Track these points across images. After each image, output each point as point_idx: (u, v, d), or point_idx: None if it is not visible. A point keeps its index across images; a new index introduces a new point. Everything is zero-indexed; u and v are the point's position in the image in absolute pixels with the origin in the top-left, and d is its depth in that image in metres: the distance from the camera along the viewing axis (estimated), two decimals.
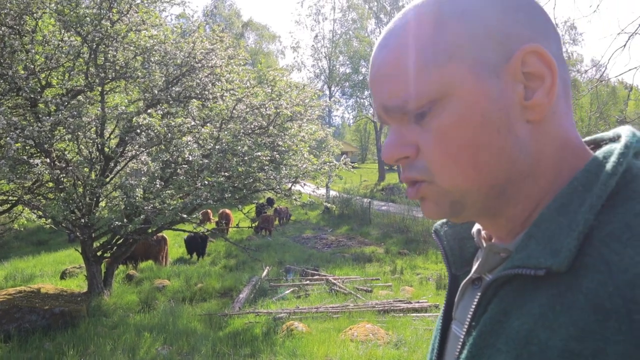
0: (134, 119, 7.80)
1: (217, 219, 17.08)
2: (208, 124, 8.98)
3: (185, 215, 8.18)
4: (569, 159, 0.58)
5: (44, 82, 8.47)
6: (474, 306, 0.59)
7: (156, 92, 8.72)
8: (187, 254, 13.43)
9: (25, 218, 12.14)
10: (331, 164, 9.90)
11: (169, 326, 7.11)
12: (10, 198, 10.66)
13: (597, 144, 0.63)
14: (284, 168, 9.22)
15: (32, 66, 8.15)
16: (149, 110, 8.57)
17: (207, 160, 8.17)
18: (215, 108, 9.11)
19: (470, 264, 0.70)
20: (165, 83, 8.87)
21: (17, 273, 11.55)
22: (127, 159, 9.54)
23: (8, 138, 7.08)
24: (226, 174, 8.54)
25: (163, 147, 8.25)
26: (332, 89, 35.81)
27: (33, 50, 8.08)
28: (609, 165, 0.53)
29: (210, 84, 9.25)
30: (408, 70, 0.56)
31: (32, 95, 8.05)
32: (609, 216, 0.50)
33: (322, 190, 20.65)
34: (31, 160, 7.82)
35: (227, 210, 16.58)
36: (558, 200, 0.54)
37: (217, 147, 8.37)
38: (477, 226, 0.69)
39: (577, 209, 0.52)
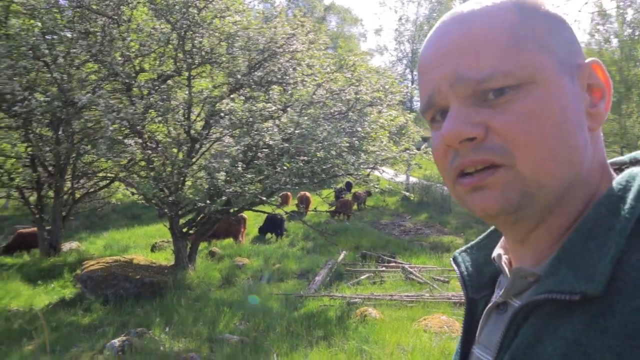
0: (217, 104, 8.10)
1: (296, 202, 17.42)
2: (288, 109, 9.12)
3: (264, 198, 8.43)
4: (605, 177, 0.60)
5: (137, 68, 9.02)
6: (503, 330, 0.59)
7: (239, 76, 8.99)
8: (260, 233, 13.77)
9: (121, 193, 13.15)
10: (411, 152, 9.74)
11: (247, 303, 7.40)
12: (109, 175, 11.58)
13: (619, 168, 0.64)
14: (362, 154, 9.19)
15: (128, 53, 8.70)
16: (232, 95, 8.88)
17: (287, 145, 8.33)
18: (295, 93, 9.23)
19: (488, 288, 0.71)
20: (247, 68, 9.12)
21: (114, 243, 12.56)
22: (212, 141, 9.97)
23: (106, 120, 7.64)
24: (305, 158, 8.67)
25: (245, 130, 8.51)
26: (415, 73, 35.06)
27: (129, 38, 8.61)
28: (634, 189, 0.54)
29: (291, 69, 9.39)
30: (498, 47, 0.55)
31: (127, 80, 8.61)
32: (637, 241, 0.50)
33: (402, 177, 20.36)
34: (125, 141, 8.42)
35: (307, 193, 16.83)
36: (585, 225, 0.55)
37: (297, 131, 8.49)
38: (497, 251, 0.70)
39: (605, 233, 0.52)
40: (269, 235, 13.94)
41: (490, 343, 0.63)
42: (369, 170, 9.45)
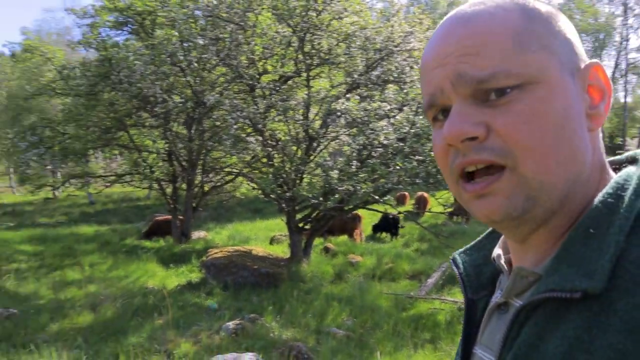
0: (332, 105, 8.29)
1: (413, 202, 17.20)
2: (404, 108, 9.04)
3: (377, 197, 8.47)
4: (605, 177, 0.60)
5: (261, 70, 9.58)
6: (505, 331, 0.59)
7: (356, 76, 9.12)
8: (374, 231, 13.84)
9: (245, 188, 14.06)
10: None
11: (357, 300, 7.50)
12: (234, 170, 12.44)
13: (617, 167, 0.64)
14: None
15: (252, 56, 9.28)
16: (347, 95, 9.04)
17: (401, 144, 8.28)
18: (411, 92, 9.12)
19: (487, 288, 0.71)
20: (365, 67, 9.21)
21: (237, 234, 13.48)
22: (329, 140, 10.25)
23: (230, 118, 8.24)
24: (420, 158, 8.54)
25: (360, 129, 8.61)
26: None
27: (253, 42, 9.18)
28: (632, 188, 0.54)
29: (407, 67, 9.29)
30: (501, 47, 0.55)
31: (251, 82, 9.19)
32: (637, 238, 0.51)
33: None
34: (247, 138, 9.00)
35: (425, 194, 16.52)
36: (585, 223, 0.55)
37: (412, 131, 8.39)
38: (496, 251, 0.70)
39: (605, 232, 0.52)
40: (383, 234, 13.95)
41: (492, 343, 0.63)
42: None
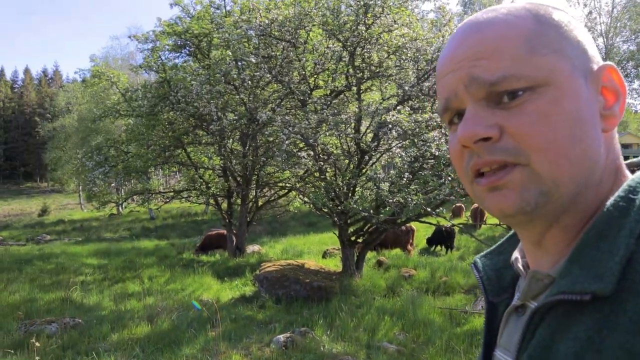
0: (383, 116, 8.27)
1: (469, 214, 16.77)
2: None
3: (429, 209, 8.33)
4: (620, 179, 0.61)
5: (312, 85, 9.72)
6: (521, 333, 0.61)
7: (407, 88, 9.06)
8: (428, 245, 13.60)
9: (298, 202, 14.21)
10: None
11: (409, 314, 7.35)
12: (287, 185, 12.63)
13: (636, 169, 0.65)
14: None
15: (304, 72, 9.44)
16: (398, 107, 8.99)
17: None
18: None
19: (508, 291, 0.72)
20: (416, 79, 9.14)
21: (290, 248, 13.62)
22: (381, 153, 10.20)
23: (282, 134, 8.39)
24: None
25: (412, 141, 8.52)
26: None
27: (304, 59, 9.34)
28: None
29: None
30: (510, 51, 0.57)
31: (302, 97, 9.34)
32: None
33: None
34: (299, 153, 9.11)
35: None
36: (597, 226, 0.56)
37: None
38: (515, 255, 0.71)
39: (616, 234, 0.53)
40: (438, 247, 13.66)
41: (510, 345, 0.65)
42: None
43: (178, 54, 12.58)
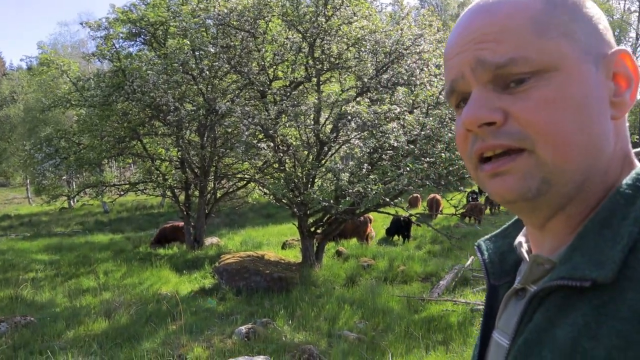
0: (343, 107, 8.33)
1: (425, 204, 17.15)
2: (415, 110, 9.05)
3: (388, 199, 8.47)
4: (625, 167, 0.60)
5: (271, 76, 9.66)
6: (519, 316, 0.61)
7: (366, 80, 9.15)
8: (387, 235, 13.86)
9: (257, 193, 14.15)
10: None
11: (368, 303, 7.49)
12: (246, 176, 12.54)
13: None
14: None
15: (263, 63, 9.37)
16: (358, 98, 9.07)
17: (412, 146, 8.28)
18: (421, 94, 9.13)
19: (510, 275, 0.72)
20: (375, 71, 9.24)
21: (249, 240, 13.56)
22: (340, 144, 10.28)
23: (242, 125, 8.33)
24: (430, 160, 8.53)
25: (371, 132, 8.63)
26: None
27: (264, 49, 9.27)
28: None
29: (417, 70, 9.30)
30: (518, 34, 0.56)
31: (262, 88, 9.27)
32: None
33: None
34: (259, 144, 9.07)
35: (437, 196, 16.48)
36: (601, 213, 0.55)
37: (422, 133, 8.39)
38: (519, 239, 0.71)
39: (620, 222, 0.53)
40: (396, 237, 13.93)
41: (508, 327, 0.64)
42: None
43: (133, 43, 12.21)
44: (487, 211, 17.81)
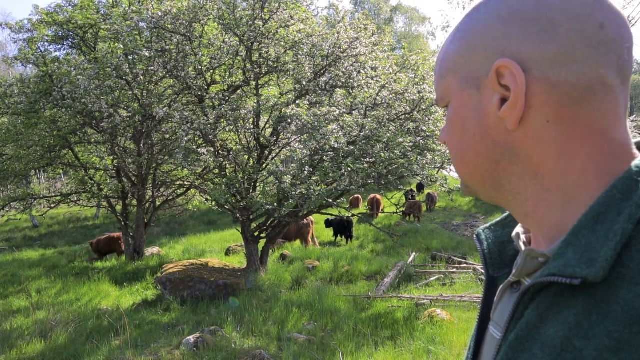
0: (283, 110, 8.35)
1: (366, 204, 17.47)
2: (354, 112, 9.20)
3: (331, 200, 8.57)
4: (611, 162, 0.57)
5: (209, 80, 9.51)
6: (511, 309, 0.61)
7: (304, 83, 9.21)
8: (333, 237, 14.04)
9: (198, 200, 13.85)
10: None
11: (316, 304, 7.55)
12: (185, 183, 12.25)
13: None
14: (428, 154, 9.08)
15: (200, 67, 9.20)
16: (297, 101, 9.12)
17: (352, 147, 8.41)
18: (359, 95, 9.30)
19: (510, 266, 0.73)
20: (313, 74, 9.32)
21: (192, 248, 13.26)
22: (280, 147, 10.28)
23: (181, 131, 8.14)
24: (370, 160, 8.70)
25: (310, 135, 8.69)
26: None
27: (200, 53, 9.11)
28: None
29: (355, 72, 9.47)
30: (437, 77, 0.69)
31: (199, 93, 9.11)
32: None
33: None
34: (199, 150, 8.90)
35: (378, 196, 16.84)
36: (595, 208, 0.54)
37: (361, 134, 8.55)
38: (517, 230, 0.72)
39: (614, 218, 0.52)
40: (339, 238, 14.10)
41: (501, 320, 0.65)
42: (436, 169, 9.30)
43: (60, 46, 11.62)
44: (424, 208, 18.39)
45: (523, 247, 0.67)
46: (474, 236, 0.81)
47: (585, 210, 0.55)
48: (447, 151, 9.14)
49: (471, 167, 0.66)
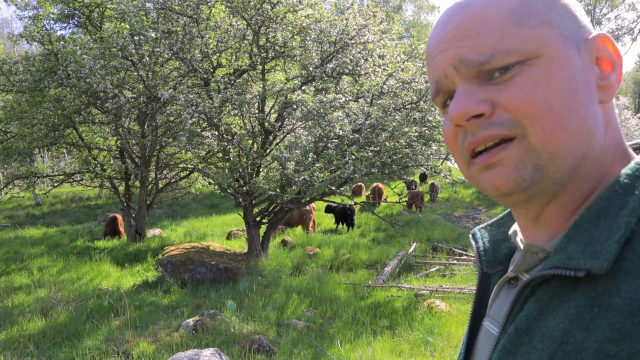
0: (289, 95, 8.29)
1: (368, 193, 17.45)
2: (360, 99, 9.14)
3: (334, 188, 8.54)
4: (619, 156, 0.59)
5: (215, 64, 9.44)
6: (510, 304, 0.61)
7: (311, 69, 9.14)
8: (334, 224, 14.05)
9: (200, 184, 13.85)
10: None
11: (315, 291, 7.56)
12: (189, 166, 12.24)
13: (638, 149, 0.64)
14: (433, 144, 9.03)
15: (206, 49, 9.12)
16: (303, 87, 9.05)
17: (357, 135, 8.37)
18: (366, 83, 9.23)
19: (504, 263, 0.72)
20: (320, 60, 9.24)
21: (193, 231, 13.29)
22: (285, 133, 10.23)
23: (185, 113, 8.10)
24: (375, 148, 8.66)
25: (316, 122, 8.64)
26: None
27: (207, 36, 9.02)
28: None
29: (362, 60, 9.39)
30: (499, 27, 0.56)
31: (205, 76, 9.04)
32: None
33: None
34: (203, 133, 8.86)
35: (380, 185, 16.80)
36: (599, 203, 0.54)
37: (367, 122, 8.49)
38: (514, 227, 0.71)
39: (617, 212, 0.52)
40: (340, 226, 14.11)
41: (498, 316, 0.65)
42: (440, 160, 9.25)
43: (65, 25, 11.53)
44: (427, 198, 18.38)
45: (521, 244, 0.67)
46: (470, 235, 0.80)
47: (588, 205, 0.56)
48: None
49: (574, 136, 0.55)
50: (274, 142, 10.07)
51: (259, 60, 9.20)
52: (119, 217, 12.91)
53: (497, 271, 0.72)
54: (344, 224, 13.91)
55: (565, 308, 0.51)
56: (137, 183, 12.18)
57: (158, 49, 9.09)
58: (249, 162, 8.91)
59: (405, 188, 18.05)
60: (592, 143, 0.56)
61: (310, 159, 8.42)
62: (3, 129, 11.70)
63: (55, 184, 12.81)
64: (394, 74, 9.05)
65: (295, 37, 9.18)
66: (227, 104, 8.90)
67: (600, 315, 0.48)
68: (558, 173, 0.56)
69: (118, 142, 10.79)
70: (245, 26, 8.91)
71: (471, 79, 0.58)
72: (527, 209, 0.61)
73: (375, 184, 17.08)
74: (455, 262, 9.82)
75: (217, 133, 9.02)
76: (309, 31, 9.07)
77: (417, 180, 20.75)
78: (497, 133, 0.56)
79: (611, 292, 0.48)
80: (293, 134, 10.68)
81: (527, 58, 0.55)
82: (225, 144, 9.00)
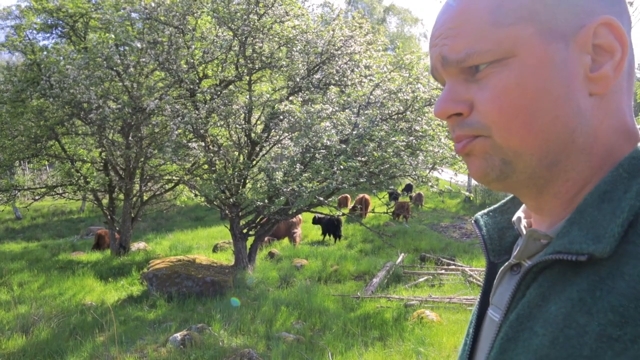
0: (276, 106, 8.27)
1: (353, 204, 17.43)
2: (346, 110, 9.14)
3: (322, 199, 8.49)
4: (622, 142, 0.57)
5: (201, 74, 9.38)
6: (512, 290, 0.60)
7: (298, 79, 9.13)
8: (321, 235, 13.98)
9: (185, 196, 13.70)
10: None
11: (304, 303, 7.47)
12: (174, 178, 12.10)
13: None
14: (420, 154, 9.05)
15: (192, 60, 9.06)
16: (290, 98, 9.03)
17: (344, 146, 8.35)
18: (353, 94, 9.24)
19: (509, 252, 0.72)
20: (306, 71, 9.24)
21: (179, 244, 13.09)
22: (272, 144, 10.18)
23: (172, 124, 8.01)
24: (363, 159, 8.65)
25: (303, 133, 8.61)
26: None
27: (193, 46, 8.97)
28: None
29: (349, 71, 9.42)
30: (475, 26, 0.56)
31: (191, 86, 8.97)
32: None
33: (463, 177, 19.88)
34: (189, 144, 8.77)
35: (366, 196, 16.81)
36: (602, 187, 0.54)
37: (354, 132, 8.50)
38: (518, 214, 0.70)
39: (621, 196, 0.52)
40: (327, 237, 14.04)
41: (501, 303, 0.64)
42: (427, 170, 9.28)
43: (48, 35, 11.39)
44: (412, 206, 18.43)
45: (524, 230, 0.67)
46: (472, 222, 0.79)
47: (591, 189, 0.55)
48: (440, 151, 9.17)
49: (541, 137, 0.55)
50: (261, 153, 10.00)
51: (245, 71, 9.17)
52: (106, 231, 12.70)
53: (503, 260, 0.71)
54: (331, 236, 13.84)
55: (567, 293, 0.51)
56: (121, 196, 12.00)
57: (144, 59, 9.02)
58: (236, 173, 8.83)
59: (390, 199, 18.09)
60: (573, 138, 0.55)
61: (297, 169, 8.37)
62: None
63: (37, 197, 12.54)
64: (380, 84, 9.09)
65: (281, 47, 9.18)
66: (213, 115, 8.83)
67: (602, 298, 0.47)
68: (529, 169, 0.57)
69: (102, 153, 10.64)
70: (231, 37, 8.89)
71: (456, 75, 0.59)
72: (521, 197, 0.63)
73: (361, 195, 17.08)
74: (443, 271, 9.81)
75: (203, 144, 8.93)
76: (296, 42, 9.08)
77: (400, 191, 20.79)
78: (468, 134, 0.59)
79: (615, 276, 0.48)
80: (280, 145, 10.63)
81: (503, 57, 0.55)
82: (212, 155, 8.92)
